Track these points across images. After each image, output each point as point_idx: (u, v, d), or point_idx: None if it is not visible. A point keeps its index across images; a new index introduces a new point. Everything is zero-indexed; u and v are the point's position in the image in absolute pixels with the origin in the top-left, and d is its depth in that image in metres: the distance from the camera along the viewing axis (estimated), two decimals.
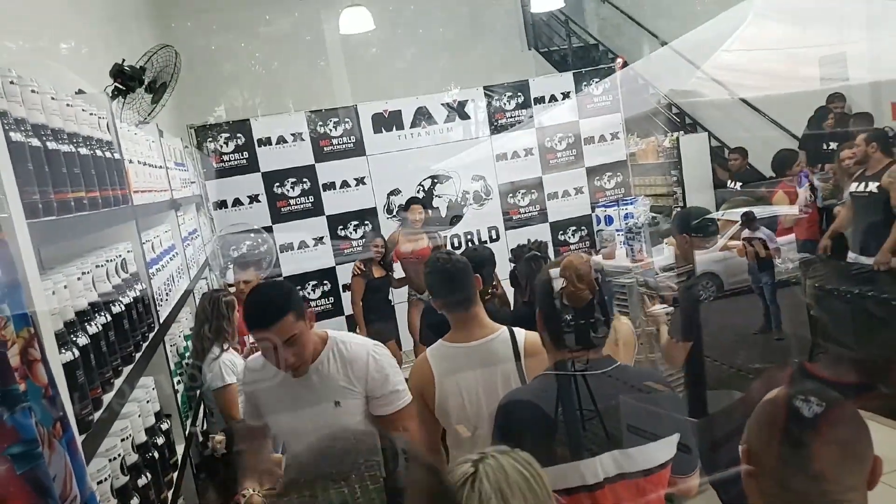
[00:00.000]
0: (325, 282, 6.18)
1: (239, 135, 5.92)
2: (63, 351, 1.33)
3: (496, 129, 6.47)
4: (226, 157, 5.90)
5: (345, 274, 5.96)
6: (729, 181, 6.70)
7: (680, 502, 1.69)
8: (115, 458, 1.60)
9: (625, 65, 7.04)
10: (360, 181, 6.22)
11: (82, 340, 1.47)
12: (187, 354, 3.20)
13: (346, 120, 6.15)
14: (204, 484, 2.69)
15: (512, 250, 3.72)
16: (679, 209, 6.50)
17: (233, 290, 4.06)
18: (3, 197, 1.12)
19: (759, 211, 5.51)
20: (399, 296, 5.61)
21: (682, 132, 7.70)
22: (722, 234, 5.76)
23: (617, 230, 5.98)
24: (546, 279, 1.67)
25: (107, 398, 1.58)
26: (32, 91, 1.48)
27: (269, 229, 5.99)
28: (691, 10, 7.67)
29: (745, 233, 5.31)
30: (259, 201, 5.99)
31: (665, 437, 1.54)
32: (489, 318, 2.25)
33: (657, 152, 7.34)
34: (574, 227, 6.67)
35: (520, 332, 2.16)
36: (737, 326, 5.88)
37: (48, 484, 0.97)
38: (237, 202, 5.95)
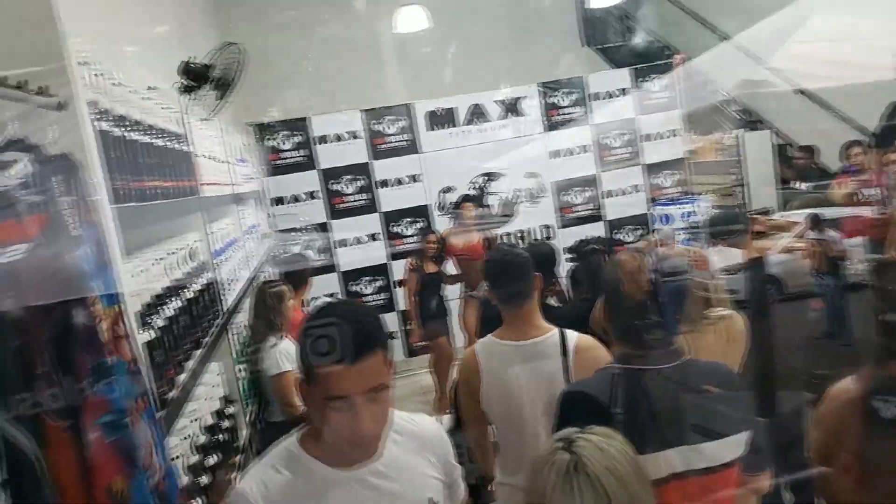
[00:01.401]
0: (379, 277, 6.25)
1: (297, 132, 6.05)
2: (143, 331, 1.39)
3: (551, 126, 6.42)
4: (284, 155, 6.04)
5: (398, 270, 6.02)
6: (794, 181, 6.47)
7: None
8: (186, 438, 1.66)
9: (684, 61, 6.88)
10: (413, 178, 6.26)
11: (159, 322, 1.53)
12: (249, 343, 3.30)
13: (401, 118, 6.20)
14: None
15: (571, 247, 3.68)
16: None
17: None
18: (94, 181, 1.18)
19: (828, 212, 5.31)
20: (453, 292, 5.63)
21: (744, 129, 7.47)
22: (785, 236, 5.57)
23: (676, 229, 5.87)
24: (613, 272, 1.66)
25: (180, 379, 1.65)
26: (114, 84, 1.55)
27: (325, 225, 6.10)
28: (755, 4, 7.43)
29: (811, 234, 5.13)
30: (316, 198, 6.10)
31: (733, 435, 1.51)
32: (547, 313, 2.23)
33: (717, 150, 7.15)
34: (631, 226, 6.55)
35: (571, 335, 2.13)
36: (799, 331, 5.68)
37: (135, 453, 1.01)
38: (295, 198, 6.07)
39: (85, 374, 0.97)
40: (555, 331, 2.13)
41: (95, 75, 1.45)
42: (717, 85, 7.79)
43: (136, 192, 1.56)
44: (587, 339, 2.11)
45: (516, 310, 2.14)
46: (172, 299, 1.74)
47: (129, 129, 1.58)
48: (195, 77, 2.96)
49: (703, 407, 1.49)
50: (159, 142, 1.86)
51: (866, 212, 5.12)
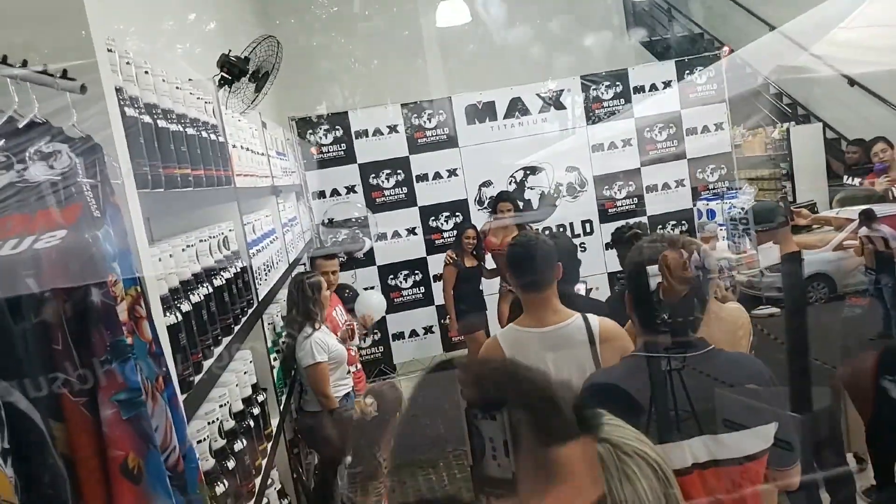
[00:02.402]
0: (417, 271, 6.27)
1: (337, 127, 6.10)
2: (167, 314, 1.42)
3: (593, 119, 6.32)
4: (325, 149, 6.10)
5: (436, 264, 6.02)
6: (845, 175, 6.23)
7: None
8: (213, 422, 1.69)
9: (731, 52, 6.69)
10: (452, 172, 6.25)
11: (185, 307, 1.56)
12: (283, 333, 3.34)
13: (441, 112, 6.19)
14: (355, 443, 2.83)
15: (612, 233, 3.63)
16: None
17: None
18: (117, 165, 1.21)
19: (880, 209, 5.09)
20: (490, 287, 5.61)
21: (793, 123, 7.23)
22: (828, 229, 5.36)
23: (720, 225, 5.71)
24: (638, 259, 1.62)
25: (207, 364, 1.67)
26: (146, 72, 1.59)
27: (365, 219, 6.14)
28: None
29: (863, 231, 4.93)
30: (355, 192, 6.14)
31: (759, 427, 1.46)
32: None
33: (765, 144, 6.94)
34: (674, 221, 6.41)
35: (594, 319, 2.12)
36: (851, 331, 5.46)
37: (150, 431, 1.03)
38: (335, 192, 6.13)
39: (102, 352, 0.99)
40: (577, 316, 2.12)
41: (127, 63, 1.48)
42: (763, 76, 7.55)
43: (165, 179, 1.59)
44: (612, 326, 2.10)
45: (534, 296, 2.14)
46: (202, 285, 1.77)
47: (159, 116, 1.61)
48: (233, 70, 3.02)
49: (729, 397, 1.45)
50: (191, 131, 1.89)
51: None
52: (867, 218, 4.94)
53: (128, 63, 1.46)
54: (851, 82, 6.94)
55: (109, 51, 1.31)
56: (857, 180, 5.87)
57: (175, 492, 1.14)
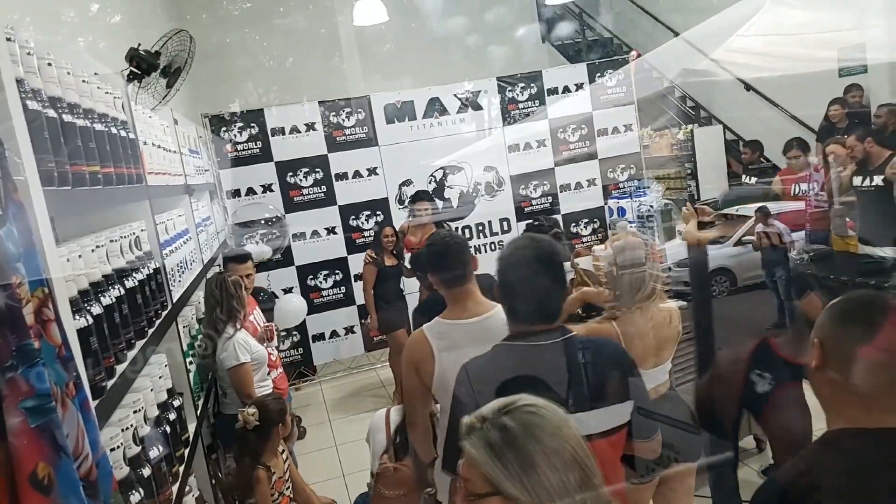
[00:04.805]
0: (337, 271, 6.21)
1: (253, 124, 5.95)
2: (77, 317, 1.35)
3: (509, 120, 6.47)
4: (240, 147, 5.93)
5: (356, 263, 5.98)
6: (743, 175, 6.66)
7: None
8: (127, 429, 1.62)
9: (639, 56, 7.01)
10: (372, 171, 6.23)
11: (96, 309, 1.49)
12: (200, 337, 3.23)
13: (359, 110, 6.16)
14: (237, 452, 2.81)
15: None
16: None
17: None
18: (19, 161, 1.14)
19: (774, 206, 5.46)
20: (410, 285, 5.62)
21: (696, 125, 7.65)
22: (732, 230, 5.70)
23: (630, 222, 5.96)
24: (513, 253, 1.75)
25: (119, 368, 1.61)
26: (49, 64, 1.50)
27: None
28: (707, 3, 7.60)
29: (760, 227, 5.28)
30: (272, 191, 6.01)
31: (620, 403, 1.62)
32: None
33: (671, 145, 7.30)
34: (586, 220, 6.65)
35: None
36: (750, 321, 5.83)
37: (62, 439, 0.98)
38: (251, 191, 5.98)
39: (7, 357, 0.94)
40: (499, 307, 2.15)
41: (28, 54, 1.40)
42: (668, 79, 7.96)
43: (73, 176, 1.51)
44: None
45: (457, 290, 2.18)
46: (113, 287, 1.69)
47: (64, 111, 1.53)
48: (143, 64, 2.89)
49: (586, 377, 1.58)
50: (100, 126, 1.81)
51: (804, 205, 5.33)
52: (763, 216, 5.31)
53: (29, 54, 1.38)
54: (747, 87, 7.42)
55: (9, 39, 1.23)
56: (752, 179, 6.26)
57: (88, 501, 1.10)
